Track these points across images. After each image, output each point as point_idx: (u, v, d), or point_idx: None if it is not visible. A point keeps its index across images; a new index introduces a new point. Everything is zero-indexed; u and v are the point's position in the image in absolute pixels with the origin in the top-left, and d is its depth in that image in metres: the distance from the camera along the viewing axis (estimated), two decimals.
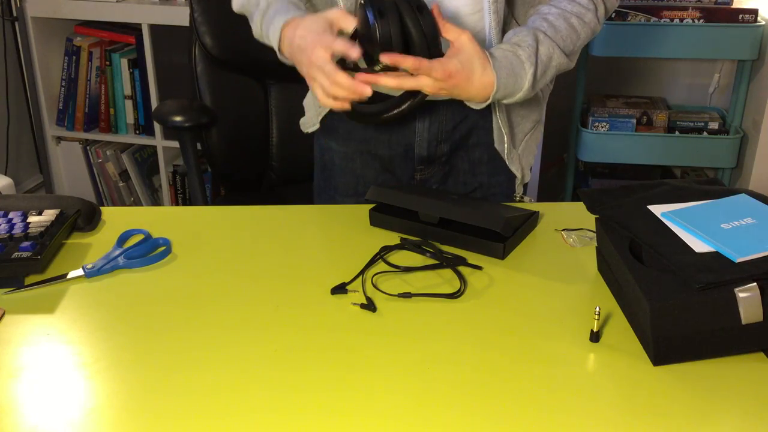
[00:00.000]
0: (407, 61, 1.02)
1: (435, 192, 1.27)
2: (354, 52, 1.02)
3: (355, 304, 0.98)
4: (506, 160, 1.30)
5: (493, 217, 1.09)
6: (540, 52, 1.13)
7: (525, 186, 1.39)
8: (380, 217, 1.18)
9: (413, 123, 1.29)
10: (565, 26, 1.15)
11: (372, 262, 1.07)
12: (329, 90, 1.04)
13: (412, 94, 1.10)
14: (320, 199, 1.45)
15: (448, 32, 1.06)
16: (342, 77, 1.02)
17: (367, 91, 1.03)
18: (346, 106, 1.07)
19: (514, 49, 1.12)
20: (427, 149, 1.31)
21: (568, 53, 1.17)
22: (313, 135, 1.41)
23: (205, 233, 1.17)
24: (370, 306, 0.97)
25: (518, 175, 1.33)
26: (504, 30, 1.20)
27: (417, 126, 1.29)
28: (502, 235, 1.09)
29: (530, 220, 1.16)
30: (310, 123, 1.39)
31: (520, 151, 1.33)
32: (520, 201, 1.36)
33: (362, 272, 1.05)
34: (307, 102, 1.42)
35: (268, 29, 1.16)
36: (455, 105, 1.27)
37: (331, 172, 1.39)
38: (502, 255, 1.09)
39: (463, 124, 1.30)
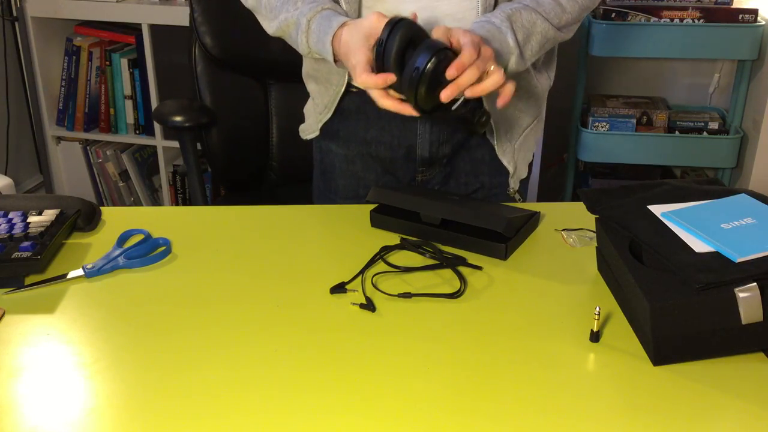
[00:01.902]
0: (465, 56, 1.03)
1: (436, 193, 1.27)
2: (384, 81, 1.04)
3: (354, 304, 0.98)
4: (497, 152, 1.30)
5: (495, 218, 1.09)
6: (519, 18, 1.14)
7: (524, 183, 1.38)
8: (381, 219, 1.18)
9: (415, 124, 1.29)
10: (548, 1, 1.17)
11: (372, 262, 1.07)
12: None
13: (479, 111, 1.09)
14: (320, 202, 1.44)
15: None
16: (375, 95, 1.07)
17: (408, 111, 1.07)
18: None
19: (487, 18, 1.14)
20: (429, 150, 1.31)
21: (555, 25, 1.18)
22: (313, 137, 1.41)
23: (205, 233, 1.17)
24: (369, 306, 0.97)
25: (510, 169, 1.33)
26: None
27: (419, 127, 1.29)
28: (504, 236, 1.09)
29: (532, 220, 1.16)
30: (309, 130, 1.39)
31: (517, 145, 1.33)
32: (513, 199, 1.36)
33: (362, 272, 1.05)
34: (308, 109, 1.41)
35: (319, 47, 1.15)
36: None
37: (332, 174, 1.39)
38: (504, 256, 1.09)
39: None
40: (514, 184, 1.36)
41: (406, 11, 1.16)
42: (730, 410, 0.80)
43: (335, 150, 1.36)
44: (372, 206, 1.20)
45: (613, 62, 2.65)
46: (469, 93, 1.03)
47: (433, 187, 1.36)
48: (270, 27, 1.23)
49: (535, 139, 1.38)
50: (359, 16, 1.21)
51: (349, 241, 1.15)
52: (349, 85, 1.28)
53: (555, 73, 1.36)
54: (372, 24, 1.07)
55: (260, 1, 1.22)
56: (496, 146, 1.30)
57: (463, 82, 1.02)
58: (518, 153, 1.33)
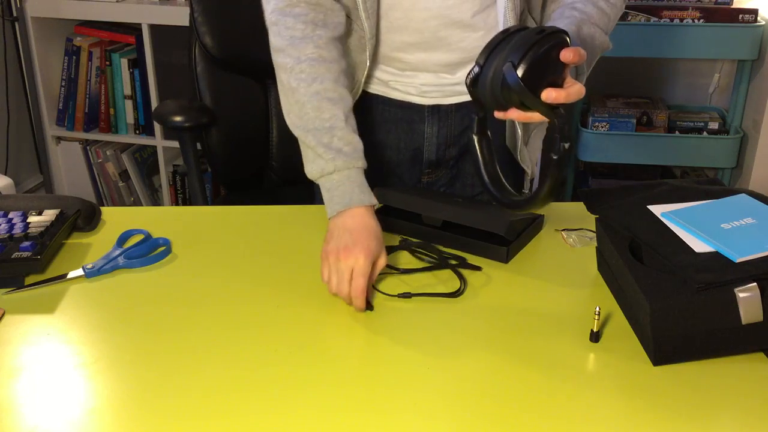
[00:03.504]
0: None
1: (439, 195, 1.26)
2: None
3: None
4: (518, 157, 1.30)
5: (497, 221, 1.09)
6: (582, 34, 1.11)
7: (531, 182, 1.39)
8: (384, 220, 1.17)
9: (422, 127, 1.28)
10: (595, 10, 1.13)
11: None
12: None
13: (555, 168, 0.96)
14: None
15: None
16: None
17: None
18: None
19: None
20: (436, 153, 1.31)
21: (605, 33, 1.16)
22: None
23: (205, 233, 1.17)
24: (368, 306, 0.97)
25: (528, 171, 1.33)
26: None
27: (426, 131, 1.29)
28: (505, 239, 1.08)
29: (534, 223, 1.16)
30: None
31: (529, 147, 1.33)
32: None
33: None
34: None
35: (327, 199, 1.09)
36: (463, 109, 1.27)
37: None
38: (505, 259, 1.08)
39: (472, 127, 1.29)
40: (527, 184, 1.35)
41: (418, 18, 1.16)
42: (730, 410, 0.80)
43: None
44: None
45: (613, 62, 2.64)
46: (558, 96, 0.94)
47: (438, 188, 1.35)
48: (289, 116, 1.15)
49: (540, 139, 1.37)
50: (378, 22, 1.18)
51: None
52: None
53: None
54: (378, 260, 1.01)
55: (292, 74, 1.11)
56: (519, 154, 1.29)
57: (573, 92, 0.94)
58: (531, 155, 1.33)
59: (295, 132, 1.14)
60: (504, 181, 1.03)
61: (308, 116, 1.10)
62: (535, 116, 0.96)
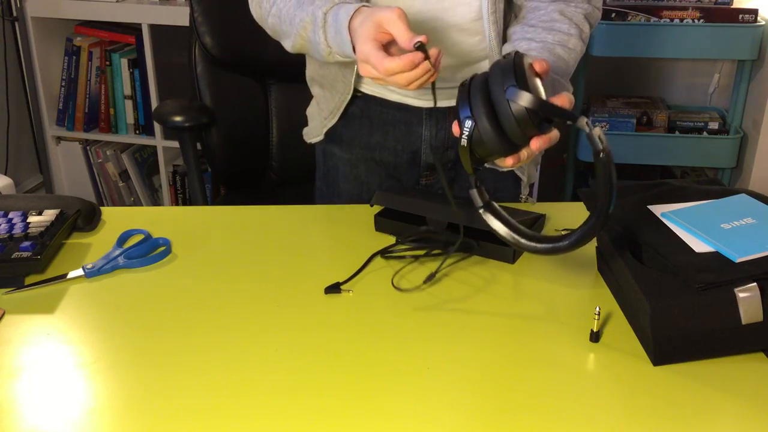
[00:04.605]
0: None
1: (442, 197, 1.26)
2: (410, 62, 0.95)
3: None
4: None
5: None
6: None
7: (531, 186, 1.38)
8: (386, 223, 1.17)
9: (420, 130, 1.28)
10: (552, 59, 1.11)
11: (369, 261, 1.07)
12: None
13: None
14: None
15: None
16: (391, 63, 0.96)
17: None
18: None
19: None
20: (434, 156, 1.30)
21: (565, 78, 1.15)
22: None
23: (205, 233, 1.17)
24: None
25: (524, 178, 1.33)
26: (505, 40, 1.18)
27: (424, 133, 1.29)
28: None
29: (537, 222, 1.15)
30: (314, 134, 1.38)
31: None
32: (525, 202, 1.36)
33: (358, 272, 1.05)
34: (311, 112, 1.40)
35: (337, 41, 1.05)
36: None
37: (335, 178, 1.38)
38: (512, 259, 1.08)
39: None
40: (524, 189, 1.35)
41: (414, 20, 1.15)
42: (730, 410, 0.80)
43: (339, 154, 1.35)
44: (376, 210, 1.20)
45: (613, 62, 2.64)
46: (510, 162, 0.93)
47: (437, 190, 1.35)
48: (288, 40, 1.16)
49: None
50: None
51: (350, 242, 1.14)
52: (356, 90, 1.27)
53: None
54: (386, 16, 0.98)
55: (280, 17, 1.15)
56: None
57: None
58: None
59: (291, 44, 1.16)
60: (530, 230, 0.93)
61: (290, 15, 1.12)
62: (554, 135, 0.93)
